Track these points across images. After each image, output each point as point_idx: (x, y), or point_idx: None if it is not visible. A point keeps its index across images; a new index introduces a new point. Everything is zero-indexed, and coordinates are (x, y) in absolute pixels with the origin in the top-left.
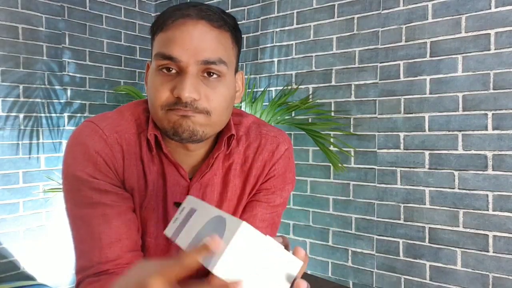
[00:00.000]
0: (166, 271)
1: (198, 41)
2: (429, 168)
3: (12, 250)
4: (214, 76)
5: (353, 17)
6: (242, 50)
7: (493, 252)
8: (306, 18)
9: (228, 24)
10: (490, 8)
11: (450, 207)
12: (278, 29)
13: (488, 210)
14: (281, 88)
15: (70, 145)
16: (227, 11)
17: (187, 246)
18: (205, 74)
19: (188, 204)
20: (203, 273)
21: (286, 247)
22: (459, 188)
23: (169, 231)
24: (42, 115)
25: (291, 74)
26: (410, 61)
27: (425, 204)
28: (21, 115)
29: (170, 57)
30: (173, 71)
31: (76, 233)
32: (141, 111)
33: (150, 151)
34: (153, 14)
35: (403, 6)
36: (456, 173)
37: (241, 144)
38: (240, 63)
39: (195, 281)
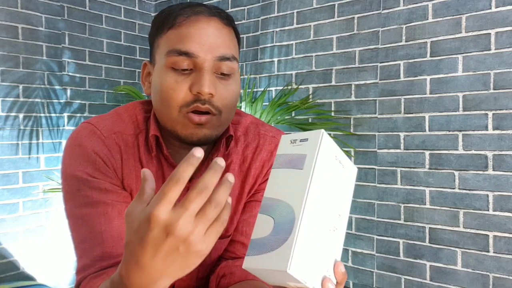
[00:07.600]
0: (164, 196)
1: (213, 37)
2: (429, 168)
3: (12, 250)
4: (227, 73)
5: (353, 17)
6: (242, 50)
7: (494, 252)
8: (306, 18)
9: (233, 24)
10: (490, 8)
11: (450, 207)
12: (278, 29)
13: (488, 210)
14: (281, 88)
15: (68, 146)
16: (227, 11)
17: (266, 193)
18: (218, 71)
19: (311, 142)
20: (204, 282)
21: (342, 284)
22: (459, 188)
23: (282, 148)
24: (42, 115)
25: (291, 74)
26: (410, 61)
27: (425, 204)
28: (21, 115)
29: (187, 53)
30: (187, 68)
31: (77, 233)
32: (139, 112)
33: (149, 152)
34: (153, 14)
35: (403, 6)
36: (456, 173)
37: (240, 144)
38: (240, 63)
39: None
